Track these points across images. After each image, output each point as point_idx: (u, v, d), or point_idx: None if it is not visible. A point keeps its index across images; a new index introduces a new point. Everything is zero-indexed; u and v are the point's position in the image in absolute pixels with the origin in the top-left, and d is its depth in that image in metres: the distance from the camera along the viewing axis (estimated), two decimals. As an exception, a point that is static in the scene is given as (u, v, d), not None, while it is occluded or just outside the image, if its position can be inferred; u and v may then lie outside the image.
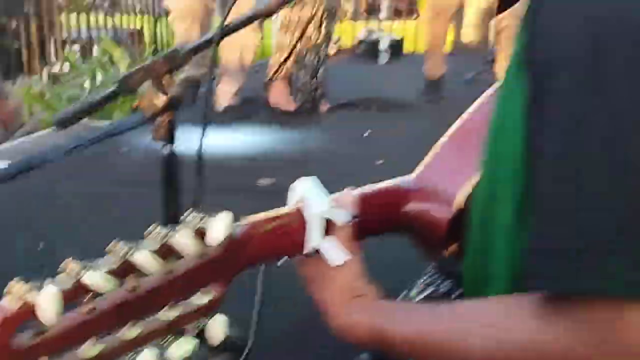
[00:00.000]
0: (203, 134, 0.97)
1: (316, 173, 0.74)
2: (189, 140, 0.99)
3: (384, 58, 6.55)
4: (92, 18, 5.73)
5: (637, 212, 0.49)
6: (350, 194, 0.76)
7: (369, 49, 6.73)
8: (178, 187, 1.03)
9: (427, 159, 0.85)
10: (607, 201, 0.50)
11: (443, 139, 0.85)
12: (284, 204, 0.74)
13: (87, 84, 4.04)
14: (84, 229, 2.07)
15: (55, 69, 5.05)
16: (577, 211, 0.51)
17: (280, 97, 3.89)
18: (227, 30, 0.95)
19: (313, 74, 3.91)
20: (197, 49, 0.97)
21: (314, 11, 3.77)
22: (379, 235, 0.83)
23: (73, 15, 5.77)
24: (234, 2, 0.94)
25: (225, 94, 3.73)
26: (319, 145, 3.18)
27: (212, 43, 0.95)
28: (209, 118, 0.96)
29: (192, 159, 0.97)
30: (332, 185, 0.77)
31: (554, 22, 0.53)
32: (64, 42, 5.69)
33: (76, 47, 5.57)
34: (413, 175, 0.85)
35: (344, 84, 4.38)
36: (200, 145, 0.98)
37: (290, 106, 3.87)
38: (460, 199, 0.77)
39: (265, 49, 5.45)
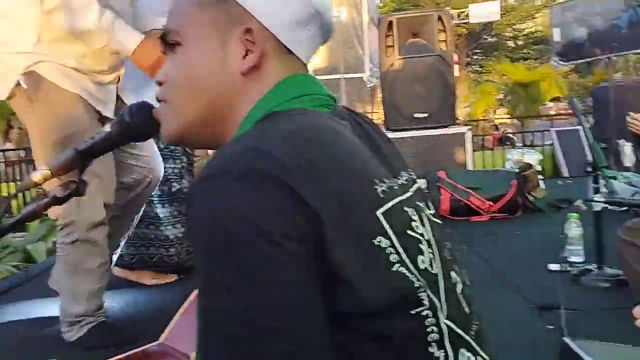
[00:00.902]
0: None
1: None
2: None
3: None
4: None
5: None
6: None
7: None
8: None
9: (171, 324, 1.04)
10: None
11: (184, 305, 1.04)
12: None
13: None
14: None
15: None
16: None
17: None
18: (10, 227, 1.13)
19: None
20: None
21: None
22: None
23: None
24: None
25: None
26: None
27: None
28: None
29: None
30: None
31: (191, 218, 0.68)
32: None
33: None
34: (160, 339, 1.03)
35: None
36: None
37: None
38: (193, 357, 0.95)
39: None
